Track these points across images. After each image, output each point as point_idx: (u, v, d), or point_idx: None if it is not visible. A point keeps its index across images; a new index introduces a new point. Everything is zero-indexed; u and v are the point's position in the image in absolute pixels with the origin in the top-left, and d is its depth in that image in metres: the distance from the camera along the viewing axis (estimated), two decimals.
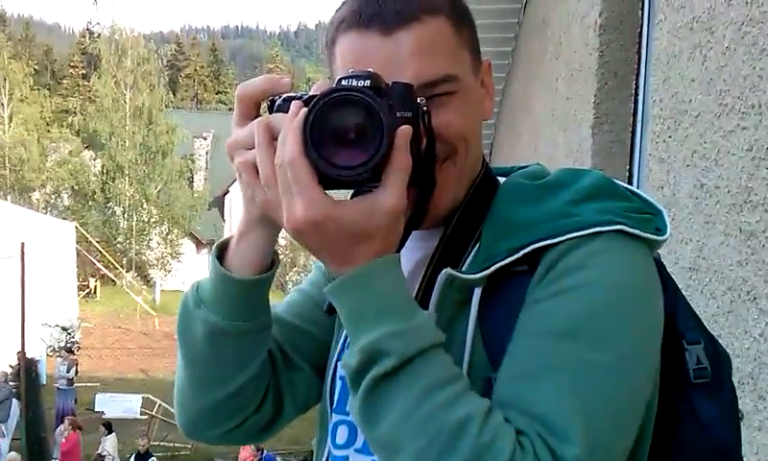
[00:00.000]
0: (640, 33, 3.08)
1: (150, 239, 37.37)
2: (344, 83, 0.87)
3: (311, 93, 0.91)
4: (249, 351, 1.04)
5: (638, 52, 3.13)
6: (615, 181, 1.01)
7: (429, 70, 0.96)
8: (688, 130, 2.09)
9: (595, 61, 3.29)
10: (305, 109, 0.85)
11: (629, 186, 1.03)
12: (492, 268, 0.93)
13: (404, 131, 0.85)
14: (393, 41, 0.95)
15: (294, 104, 0.88)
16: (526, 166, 1.11)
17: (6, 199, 32.02)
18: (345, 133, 0.85)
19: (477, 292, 0.95)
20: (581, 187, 0.97)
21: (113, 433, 13.95)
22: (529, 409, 0.84)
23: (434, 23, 0.97)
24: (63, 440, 13.65)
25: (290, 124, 0.85)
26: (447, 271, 0.95)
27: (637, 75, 3.15)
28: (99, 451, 13.68)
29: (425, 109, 0.92)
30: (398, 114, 0.88)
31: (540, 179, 1.03)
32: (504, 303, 0.94)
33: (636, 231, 0.92)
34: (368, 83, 0.87)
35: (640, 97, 3.08)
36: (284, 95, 0.94)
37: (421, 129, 0.92)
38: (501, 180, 1.09)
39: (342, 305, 0.89)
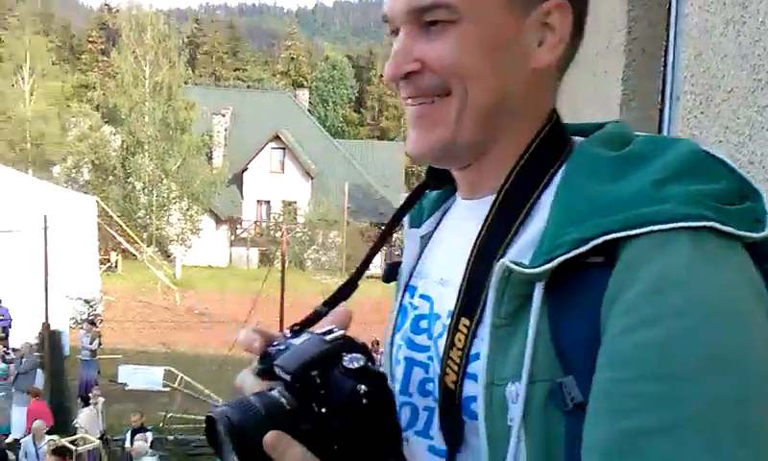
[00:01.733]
0: (669, 9, 3.08)
1: (170, 215, 37.62)
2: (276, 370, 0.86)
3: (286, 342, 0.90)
4: None
5: (667, 28, 3.13)
6: (710, 152, 0.86)
7: None
8: (721, 105, 2.11)
9: (623, 38, 3.29)
10: None
11: (724, 159, 0.86)
12: (556, 262, 0.80)
13: (269, 444, 0.80)
14: None
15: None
16: (603, 125, 0.96)
17: (27, 172, 32.32)
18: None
19: (539, 287, 0.82)
20: (667, 163, 0.83)
21: (89, 406, 13.71)
22: None
23: None
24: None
25: None
26: (504, 263, 0.84)
27: (666, 51, 3.15)
28: (74, 423, 13.38)
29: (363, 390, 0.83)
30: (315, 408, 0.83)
31: (620, 147, 0.89)
32: (577, 298, 0.80)
33: (730, 230, 0.78)
34: (288, 377, 0.85)
35: (669, 74, 3.09)
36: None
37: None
38: (577, 140, 0.95)
39: None
